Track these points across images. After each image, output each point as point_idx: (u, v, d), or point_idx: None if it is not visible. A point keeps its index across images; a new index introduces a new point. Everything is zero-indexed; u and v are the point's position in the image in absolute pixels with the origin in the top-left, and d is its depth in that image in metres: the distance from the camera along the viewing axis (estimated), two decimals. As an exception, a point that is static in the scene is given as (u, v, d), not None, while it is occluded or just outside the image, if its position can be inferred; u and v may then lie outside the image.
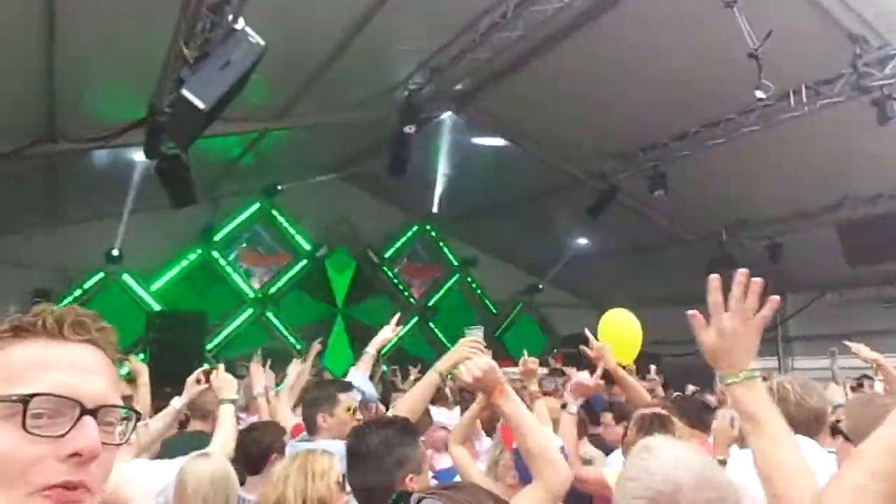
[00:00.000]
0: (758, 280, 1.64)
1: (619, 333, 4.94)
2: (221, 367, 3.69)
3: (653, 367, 7.74)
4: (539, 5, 6.57)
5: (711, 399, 6.20)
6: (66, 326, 0.95)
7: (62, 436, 0.87)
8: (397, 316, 4.37)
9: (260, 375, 4.78)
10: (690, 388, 8.42)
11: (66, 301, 11.79)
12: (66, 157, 8.35)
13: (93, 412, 0.91)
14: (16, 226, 11.36)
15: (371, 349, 4.12)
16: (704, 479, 1.52)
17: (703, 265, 11.97)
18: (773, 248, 11.36)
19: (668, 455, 1.60)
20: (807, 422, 2.74)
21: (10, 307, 1.03)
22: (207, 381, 3.78)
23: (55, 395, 0.89)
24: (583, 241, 14.09)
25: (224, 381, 3.61)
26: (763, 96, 6.20)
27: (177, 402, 3.81)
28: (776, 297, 1.66)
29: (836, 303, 12.82)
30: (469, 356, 2.61)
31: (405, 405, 3.04)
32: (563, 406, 3.89)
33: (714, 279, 1.70)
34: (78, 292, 12.02)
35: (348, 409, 3.44)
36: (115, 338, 1.03)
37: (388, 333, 4.18)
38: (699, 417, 4.10)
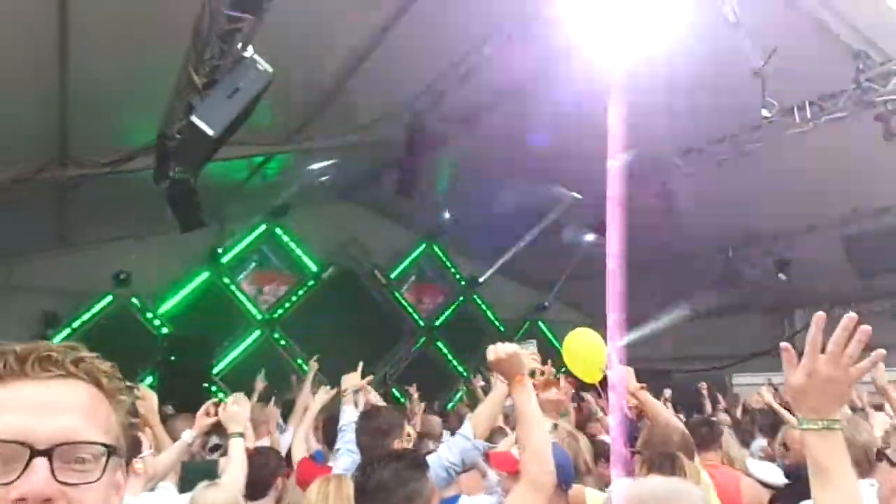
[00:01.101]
0: (866, 328, 1.53)
1: (584, 353, 4.88)
2: (230, 400, 3.69)
3: (667, 391, 7.66)
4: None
5: (725, 418, 6.15)
6: (28, 364, 0.93)
7: (12, 482, 0.85)
8: (361, 364, 4.55)
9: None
10: (667, 394, 8.23)
11: (74, 324, 11.85)
12: (75, 181, 8.42)
13: (46, 453, 0.87)
14: (26, 250, 11.44)
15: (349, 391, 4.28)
16: None
17: (709, 281, 12.02)
18: (780, 264, 11.32)
19: None
20: (859, 462, 2.58)
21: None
22: (216, 413, 3.78)
23: None
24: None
25: (232, 415, 3.61)
26: (768, 115, 6.23)
27: (187, 436, 3.80)
28: (882, 351, 1.56)
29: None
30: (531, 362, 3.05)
31: (484, 420, 3.29)
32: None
33: (819, 317, 1.59)
34: (86, 316, 12.06)
35: (409, 436, 3.58)
36: (107, 367, 1.00)
37: (356, 380, 4.31)
38: (709, 437, 4.08)
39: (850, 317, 1.53)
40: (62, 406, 0.91)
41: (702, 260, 12.57)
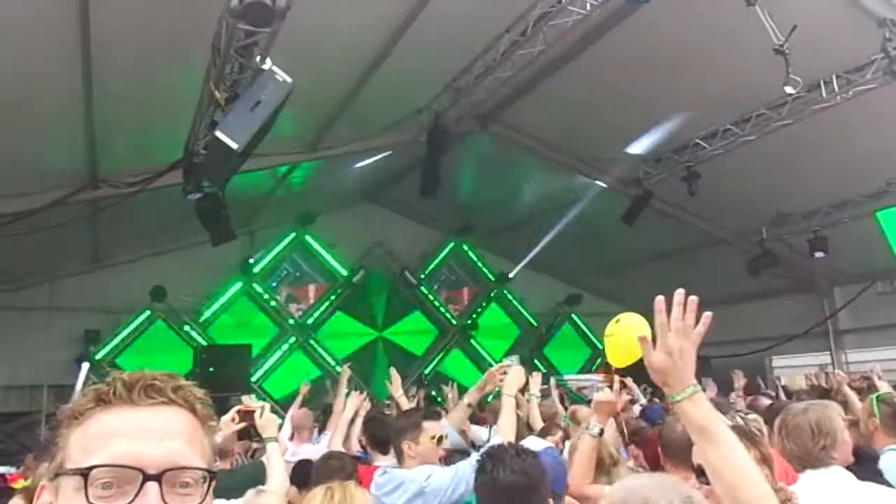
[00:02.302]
0: (694, 298, 1.72)
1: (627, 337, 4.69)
2: (267, 406, 3.72)
3: (708, 382, 7.49)
4: (558, 18, 6.59)
5: (765, 401, 6.03)
6: (135, 392, 0.99)
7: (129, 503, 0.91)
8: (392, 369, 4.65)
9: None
10: (709, 384, 8.06)
11: (114, 341, 12.13)
12: (108, 202, 8.60)
13: (157, 477, 0.93)
14: (65, 271, 11.74)
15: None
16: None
17: (744, 264, 11.82)
18: (816, 242, 11.09)
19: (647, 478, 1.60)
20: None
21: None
22: (242, 419, 3.81)
23: (112, 465, 0.92)
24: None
25: (267, 421, 3.65)
26: (792, 91, 6.13)
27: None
28: (709, 314, 1.71)
29: (886, 292, 12.46)
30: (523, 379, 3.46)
31: (508, 430, 3.48)
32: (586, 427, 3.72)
33: (659, 301, 1.73)
34: (126, 332, 12.33)
35: (433, 438, 3.56)
36: (201, 394, 1.06)
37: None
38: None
39: (679, 293, 1.71)
40: (168, 432, 0.97)
41: (735, 242, 12.38)
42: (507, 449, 2.50)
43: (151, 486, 0.92)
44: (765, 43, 6.42)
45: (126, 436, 0.95)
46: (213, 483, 1.01)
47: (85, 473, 0.91)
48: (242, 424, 3.73)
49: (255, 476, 3.41)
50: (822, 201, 10.82)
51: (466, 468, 3.13)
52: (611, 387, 4.11)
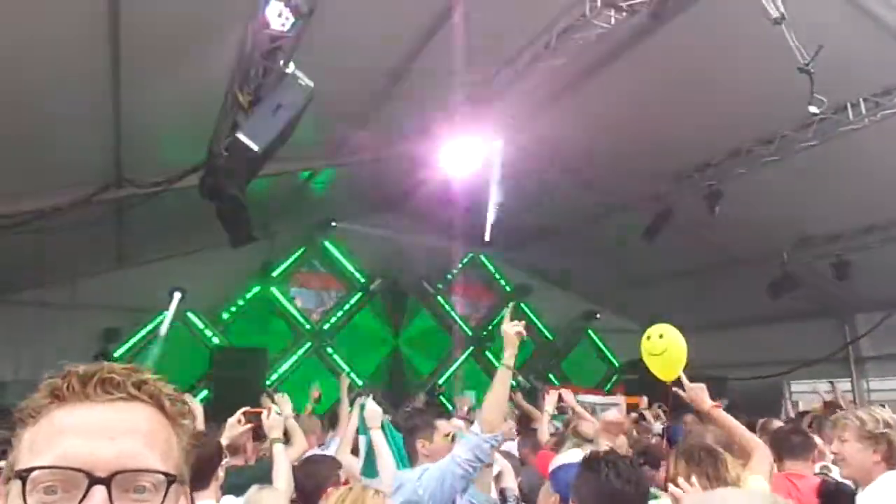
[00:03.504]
0: None
1: (666, 350, 4.65)
2: (273, 407, 3.78)
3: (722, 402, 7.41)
4: (582, 32, 6.59)
5: (778, 424, 5.93)
6: (91, 386, 0.90)
7: None
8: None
9: (286, 403, 4.77)
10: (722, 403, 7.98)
11: (133, 339, 12.26)
12: (131, 201, 8.72)
13: (104, 481, 0.84)
14: (88, 269, 11.90)
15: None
16: None
17: (765, 286, 11.67)
18: (839, 266, 10.92)
19: None
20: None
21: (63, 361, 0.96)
22: (248, 421, 3.87)
23: (53, 466, 0.84)
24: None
25: (274, 422, 3.70)
26: (817, 111, 6.05)
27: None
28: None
29: (910, 320, 12.22)
30: (517, 331, 3.33)
31: (491, 412, 3.20)
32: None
33: None
34: (144, 331, 12.46)
35: (446, 436, 3.59)
36: (170, 390, 0.96)
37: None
38: (799, 448, 3.90)
39: None
40: (122, 430, 0.88)
41: (757, 265, 12.23)
42: (621, 457, 2.46)
43: (97, 491, 0.83)
44: (791, 63, 6.37)
45: (75, 435, 0.86)
46: (178, 487, 0.91)
47: (24, 476, 0.84)
48: (249, 426, 3.77)
49: (263, 475, 3.44)
50: (846, 225, 10.67)
51: (448, 461, 3.13)
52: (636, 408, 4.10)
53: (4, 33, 5.41)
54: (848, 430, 3.12)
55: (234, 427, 3.90)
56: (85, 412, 0.89)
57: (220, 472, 3.20)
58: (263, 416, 3.70)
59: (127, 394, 0.91)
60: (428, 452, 3.52)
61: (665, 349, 4.20)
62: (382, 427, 3.86)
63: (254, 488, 3.09)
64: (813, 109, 5.96)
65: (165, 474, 0.89)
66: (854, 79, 7.48)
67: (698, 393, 3.74)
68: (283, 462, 3.48)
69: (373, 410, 3.93)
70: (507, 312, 3.54)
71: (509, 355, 3.36)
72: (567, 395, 5.90)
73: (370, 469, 3.74)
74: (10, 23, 5.33)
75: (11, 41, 5.55)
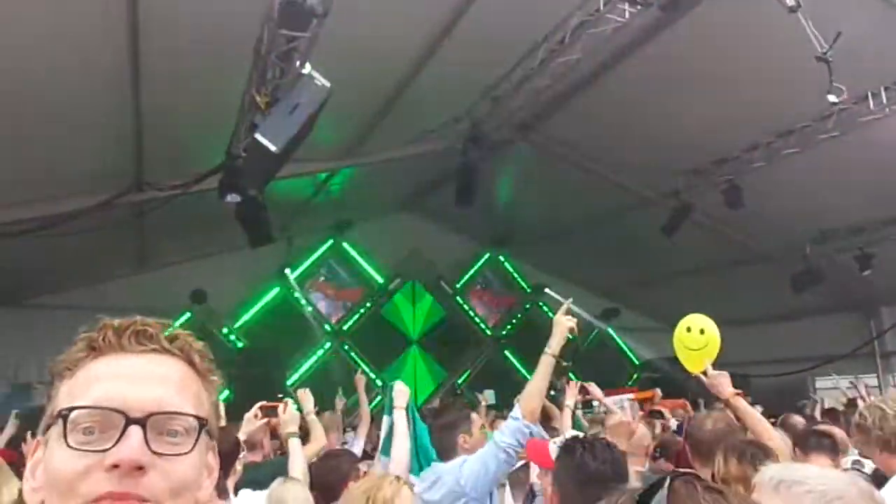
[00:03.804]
0: None
1: (698, 340, 4.57)
2: (289, 401, 3.83)
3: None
4: (597, 27, 6.57)
5: (799, 419, 5.86)
6: (125, 337, 0.95)
7: (107, 449, 0.86)
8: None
9: (308, 398, 4.83)
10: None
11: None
12: (151, 204, 8.83)
13: (141, 421, 0.87)
14: (108, 272, 12.06)
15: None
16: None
17: (787, 281, 11.53)
18: (862, 259, 10.77)
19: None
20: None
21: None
22: (265, 415, 3.93)
23: (92, 406, 0.88)
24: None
25: (290, 416, 3.74)
26: (836, 100, 5.97)
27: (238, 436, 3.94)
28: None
29: (936, 313, 12.04)
30: (570, 326, 3.36)
31: (531, 397, 3.28)
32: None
33: None
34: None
35: (482, 428, 3.67)
36: (200, 346, 1.01)
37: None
38: (827, 448, 3.84)
39: None
40: (157, 378, 0.93)
41: (778, 259, 12.10)
42: (598, 440, 2.50)
43: (134, 430, 0.87)
44: (809, 53, 6.29)
45: (111, 380, 0.91)
46: (207, 435, 0.95)
47: (65, 416, 0.88)
48: (265, 420, 3.82)
49: (280, 470, 3.47)
50: (869, 217, 10.52)
51: (491, 447, 3.19)
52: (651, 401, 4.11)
53: (24, 41, 5.51)
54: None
55: (251, 422, 3.95)
56: (121, 361, 0.93)
57: (238, 467, 3.23)
58: (280, 410, 3.73)
59: (160, 346, 0.96)
60: (469, 446, 3.52)
61: (706, 344, 4.17)
62: (407, 409, 3.87)
63: (277, 481, 3.13)
64: (832, 98, 5.89)
65: (197, 418, 0.93)
66: (874, 67, 7.38)
67: (720, 380, 3.70)
68: (298, 456, 3.52)
69: (401, 390, 3.95)
70: (565, 305, 3.57)
71: (556, 343, 3.40)
72: (593, 388, 5.86)
73: (388, 448, 3.76)
74: (29, 31, 5.43)
75: (31, 49, 5.66)
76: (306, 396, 4.54)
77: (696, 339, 4.17)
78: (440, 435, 3.64)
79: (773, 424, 6.34)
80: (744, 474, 2.51)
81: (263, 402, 3.94)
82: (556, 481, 2.38)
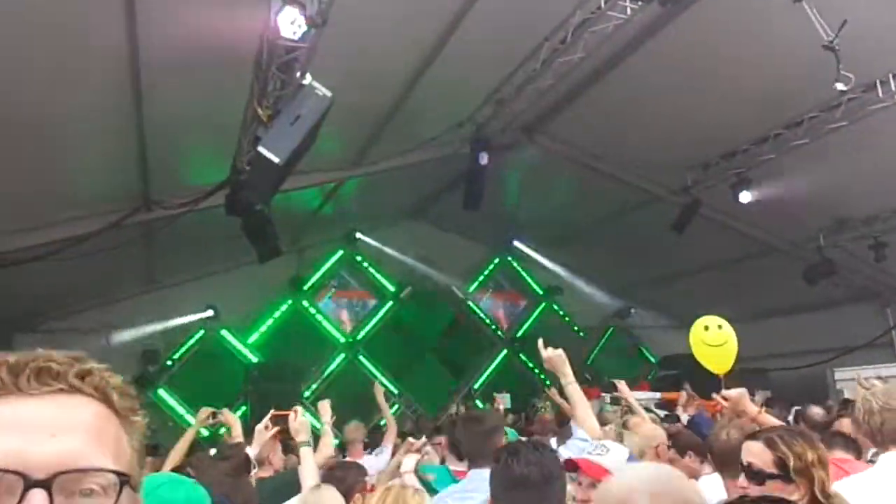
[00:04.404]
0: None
1: (721, 343, 4.53)
2: (299, 409, 3.80)
3: (758, 395, 7.28)
4: (598, 24, 6.53)
5: (818, 411, 5.75)
6: (24, 377, 0.77)
7: None
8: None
9: (326, 410, 4.79)
10: (759, 397, 7.80)
11: (169, 359, 12.41)
12: (159, 223, 8.84)
13: (44, 483, 0.72)
14: (119, 292, 12.10)
15: None
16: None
17: (801, 273, 11.41)
18: (877, 248, 10.63)
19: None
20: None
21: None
22: (276, 424, 3.91)
23: None
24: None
25: (301, 424, 3.71)
26: (844, 89, 5.90)
27: (250, 451, 3.91)
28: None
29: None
30: (555, 354, 3.47)
31: (589, 420, 3.46)
32: None
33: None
34: (181, 351, 12.63)
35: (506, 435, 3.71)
36: (118, 381, 0.84)
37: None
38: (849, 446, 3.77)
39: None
40: (63, 426, 0.76)
41: (792, 251, 11.97)
42: (525, 443, 2.51)
43: (35, 495, 0.71)
44: (816, 42, 6.22)
45: (6, 432, 0.73)
46: (130, 489, 0.78)
47: None
48: (276, 429, 3.79)
49: (291, 483, 3.45)
50: (882, 205, 10.39)
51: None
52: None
53: (26, 65, 5.52)
54: None
55: (262, 433, 3.93)
56: (18, 406, 0.76)
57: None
58: (291, 418, 3.71)
59: (68, 385, 0.79)
60: None
61: (725, 341, 4.15)
62: None
63: (309, 488, 3.14)
64: (840, 87, 5.82)
65: (117, 473, 0.77)
66: (882, 55, 7.29)
67: (741, 400, 3.61)
68: (310, 464, 3.49)
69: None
70: (540, 344, 3.64)
71: (564, 374, 3.53)
72: (622, 386, 5.79)
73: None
74: (31, 56, 5.44)
75: (34, 76, 5.67)
76: (325, 408, 4.52)
77: (716, 336, 4.15)
78: (485, 440, 3.55)
79: (796, 418, 6.25)
80: None
81: (274, 412, 3.92)
82: (491, 492, 2.39)
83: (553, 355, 3.50)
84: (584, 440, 3.27)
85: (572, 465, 2.72)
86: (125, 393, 0.84)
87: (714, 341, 4.16)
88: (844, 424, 4.61)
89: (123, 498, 0.77)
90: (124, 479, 0.77)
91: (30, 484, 0.71)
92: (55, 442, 0.74)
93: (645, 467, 1.68)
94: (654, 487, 1.46)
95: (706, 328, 4.23)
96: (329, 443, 4.29)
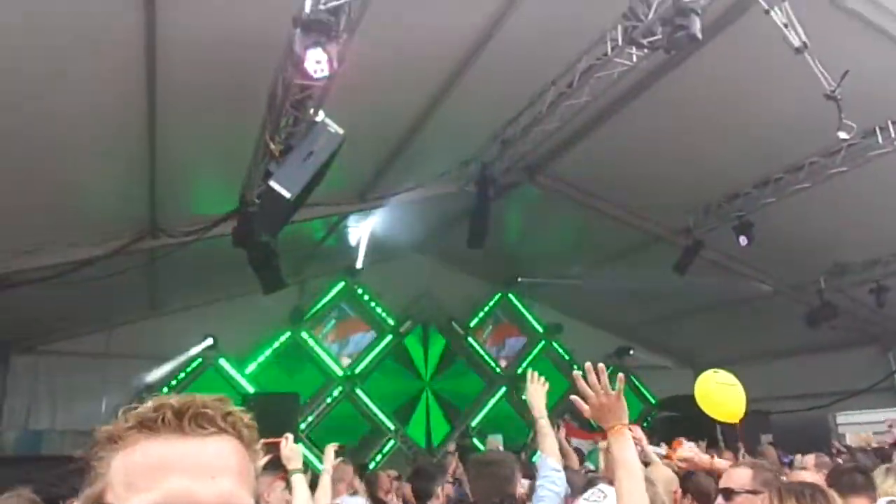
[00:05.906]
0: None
1: (726, 394, 4.57)
2: (290, 436, 3.77)
3: (765, 438, 7.25)
4: (604, 70, 6.66)
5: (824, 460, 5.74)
6: (186, 420, 0.91)
7: None
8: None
9: (330, 456, 4.69)
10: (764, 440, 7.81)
11: (166, 388, 12.33)
12: (164, 250, 8.88)
13: None
14: (120, 318, 12.08)
15: None
16: None
17: (801, 316, 11.43)
18: (879, 292, 10.67)
19: None
20: None
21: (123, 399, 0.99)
22: (267, 452, 3.86)
23: None
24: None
25: (293, 451, 3.69)
26: (846, 137, 6.00)
27: None
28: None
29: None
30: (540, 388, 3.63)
31: (555, 450, 3.59)
32: None
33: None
34: (178, 378, 12.55)
35: None
36: (247, 419, 0.99)
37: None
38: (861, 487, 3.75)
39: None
40: (220, 468, 0.90)
41: (793, 295, 12.01)
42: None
43: None
44: (817, 89, 6.34)
45: (179, 472, 0.87)
46: None
47: None
48: (268, 456, 3.77)
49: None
50: (883, 250, 10.46)
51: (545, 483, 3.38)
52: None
53: (41, 88, 5.60)
54: None
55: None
56: (183, 447, 0.90)
57: None
58: (282, 445, 3.69)
59: (218, 427, 0.93)
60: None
61: (736, 382, 4.23)
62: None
63: None
64: (842, 135, 5.92)
65: None
66: (882, 102, 7.42)
67: (695, 458, 3.91)
68: (303, 492, 3.47)
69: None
70: (529, 375, 3.79)
71: (537, 408, 3.68)
72: (636, 430, 5.71)
73: None
74: (46, 78, 5.52)
75: (46, 98, 5.75)
76: (329, 454, 4.43)
77: (727, 376, 4.22)
78: (492, 487, 3.56)
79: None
80: None
81: (264, 440, 3.88)
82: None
83: (537, 387, 3.64)
84: (557, 469, 3.43)
85: None
86: (250, 426, 0.99)
87: (728, 380, 4.22)
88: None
89: None
90: None
91: None
92: (216, 484, 0.88)
93: None
94: None
95: (716, 372, 4.29)
96: (327, 492, 4.16)
